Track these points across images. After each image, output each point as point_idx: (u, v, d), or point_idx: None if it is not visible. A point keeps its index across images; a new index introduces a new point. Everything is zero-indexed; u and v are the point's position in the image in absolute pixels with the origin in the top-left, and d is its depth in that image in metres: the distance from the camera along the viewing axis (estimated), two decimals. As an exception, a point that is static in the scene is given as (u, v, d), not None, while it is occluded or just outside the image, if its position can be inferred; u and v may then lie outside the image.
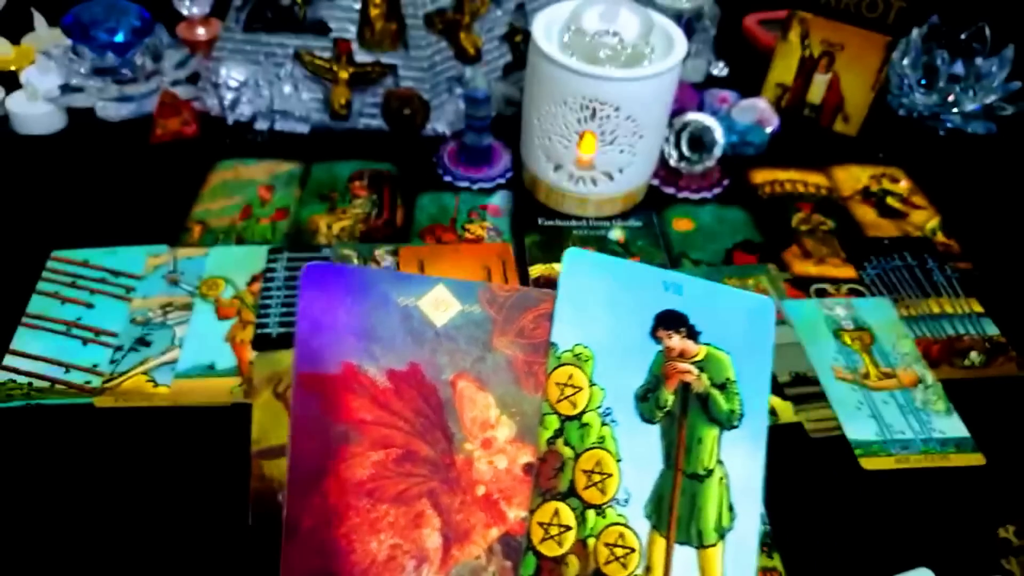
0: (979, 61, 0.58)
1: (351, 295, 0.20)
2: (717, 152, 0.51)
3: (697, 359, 0.23)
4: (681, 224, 0.50)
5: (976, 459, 0.37)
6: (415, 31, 0.52)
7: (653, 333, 0.23)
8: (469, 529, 0.20)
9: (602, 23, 0.45)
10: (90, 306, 0.41)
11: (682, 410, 0.22)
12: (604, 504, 0.21)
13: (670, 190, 0.52)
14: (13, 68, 0.58)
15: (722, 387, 0.22)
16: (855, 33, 0.55)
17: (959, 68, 0.58)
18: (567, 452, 0.21)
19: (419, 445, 0.20)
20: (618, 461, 0.21)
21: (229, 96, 0.54)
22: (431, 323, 0.21)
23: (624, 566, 0.20)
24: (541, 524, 0.20)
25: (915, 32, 0.60)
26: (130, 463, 0.34)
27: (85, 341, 0.39)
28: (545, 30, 0.45)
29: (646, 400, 0.22)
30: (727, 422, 0.22)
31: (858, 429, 0.38)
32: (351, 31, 0.52)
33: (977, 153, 0.58)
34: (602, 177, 0.47)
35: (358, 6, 0.51)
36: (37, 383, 0.37)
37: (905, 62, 0.60)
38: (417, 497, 0.19)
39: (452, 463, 0.20)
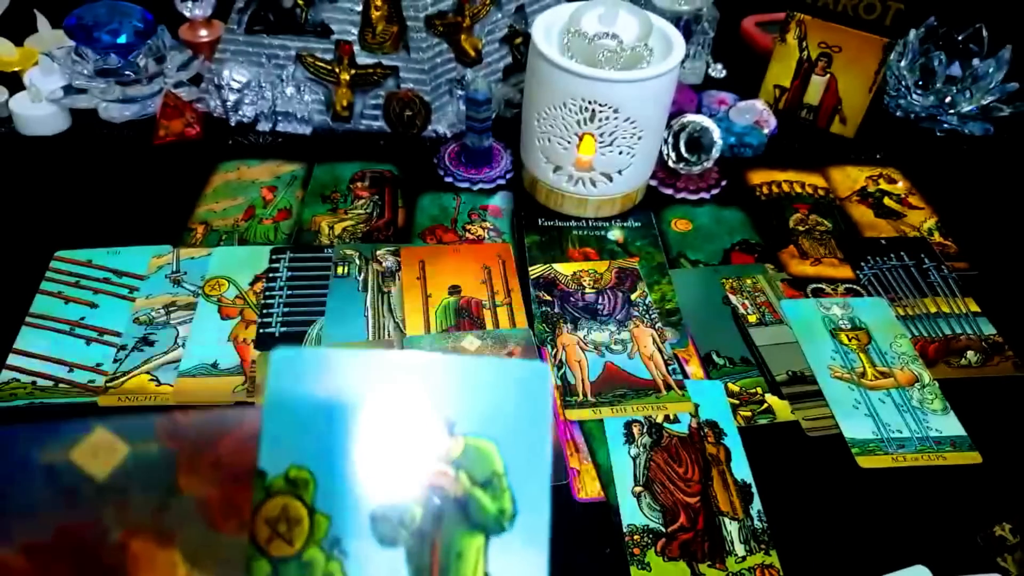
0: (976, 62, 0.58)
1: None
2: (715, 153, 0.52)
3: (453, 456, 0.18)
4: (679, 224, 0.50)
5: (972, 458, 0.37)
6: (416, 33, 0.53)
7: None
8: None
9: (601, 25, 0.46)
10: (94, 306, 0.41)
11: (435, 522, 0.18)
12: None
13: (668, 191, 0.52)
14: (17, 69, 0.58)
15: (486, 484, 0.18)
16: (853, 35, 0.55)
17: (956, 69, 0.59)
18: None
19: None
20: None
21: (232, 98, 0.54)
22: (90, 476, 0.16)
23: None
24: None
25: (912, 34, 0.60)
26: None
27: (88, 341, 0.40)
28: (545, 32, 0.46)
29: (387, 519, 0.18)
30: (495, 525, 0.18)
31: (855, 428, 0.38)
32: (353, 33, 0.53)
33: (974, 154, 0.58)
34: (601, 178, 0.48)
35: (359, 8, 0.52)
36: (41, 382, 0.37)
37: (902, 64, 0.60)
38: None
39: None
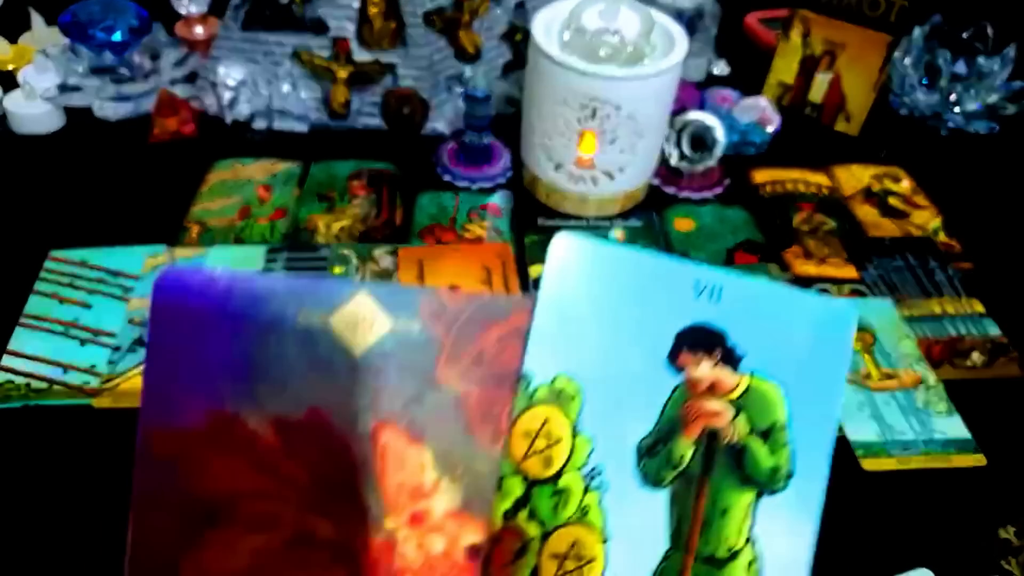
0: (981, 60, 0.57)
1: (227, 314, 0.14)
2: (718, 151, 0.51)
3: (733, 396, 0.16)
4: (682, 224, 0.50)
5: (977, 460, 0.37)
6: (414, 30, 0.52)
7: (673, 358, 0.16)
8: None
9: (602, 21, 0.45)
10: (88, 306, 0.41)
11: (704, 468, 0.16)
12: None
13: (671, 190, 0.52)
14: (11, 67, 0.57)
15: (766, 435, 0.16)
16: (857, 32, 0.54)
17: (961, 67, 0.58)
18: (532, 530, 0.15)
19: (318, 523, 0.14)
20: (604, 542, 0.15)
21: (227, 95, 0.53)
22: (347, 350, 0.14)
23: None
24: None
25: (917, 31, 0.59)
26: (129, 464, 0.34)
27: (83, 341, 0.39)
28: (545, 29, 0.45)
29: (653, 455, 0.16)
30: (768, 484, 0.16)
31: (859, 430, 0.38)
32: (350, 30, 0.52)
33: (979, 153, 0.58)
34: (602, 177, 0.47)
35: (357, 4, 0.51)
36: (35, 384, 0.37)
37: (907, 61, 0.59)
38: None
39: (365, 547, 0.14)
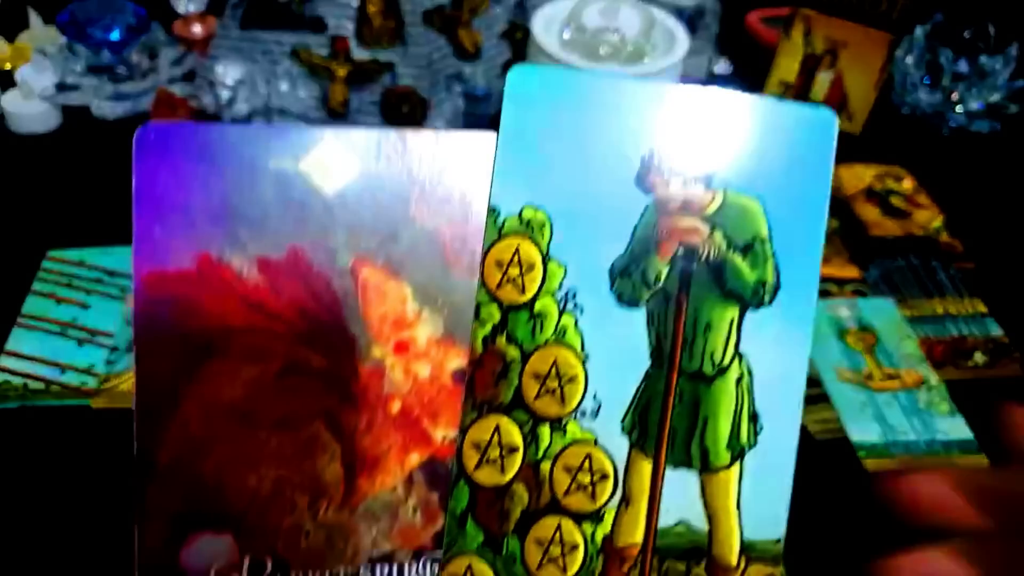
0: (983, 59, 0.57)
1: (205, 163, 0.15)
2: (719, 151, 0.51)
3: (708, 212, 0.15)
4: (682, 223, 0.49)
5: (980, 461, 0.36)
6: (413, 28, 0.52)
7: (641, 179, 0.16)
8: (380, 455, 0.15)
9: (603, 20, 0.45)
10: (86, 306, 0.41)
11: (681, 286, 0.15)
12: (564, 417, 0.15)
13: (671, 189, 0.52)
14: (8, 66, 0.57)
15: (747, 249, 0.15)
16: (858, 30, 0.54)
17: (963, 66, 0.58)
18: (512, 352, 0.15)
19: (307, 354, 0.15)
20: (584, 360, 0.15)
21: (225, 94, 0.53)
22: (320, 191, 0.15)
23: (592, 496, 0.15)
24: (476, 445, 0.15)
25: (919, 30, 0.59)
26: (127, 465, 0.34)
27: (81, 342, 0.39)
28: (545, 27, 0.45)
29: (627, 275, 0.15)
30: (752, 297, 0.15)
31: (861, 431, 0.37)
32: (349, 28, 0.52)
33: (981, 152, 0.58)
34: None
35: (356, 3, 0.51)
36: (32, 384, 0.37)
37: (909, 60, 0.59)
38: (308, 419, 0.15)
39: (355, 374, 0.15)
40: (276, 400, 0.15)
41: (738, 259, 0.15)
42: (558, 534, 0.15)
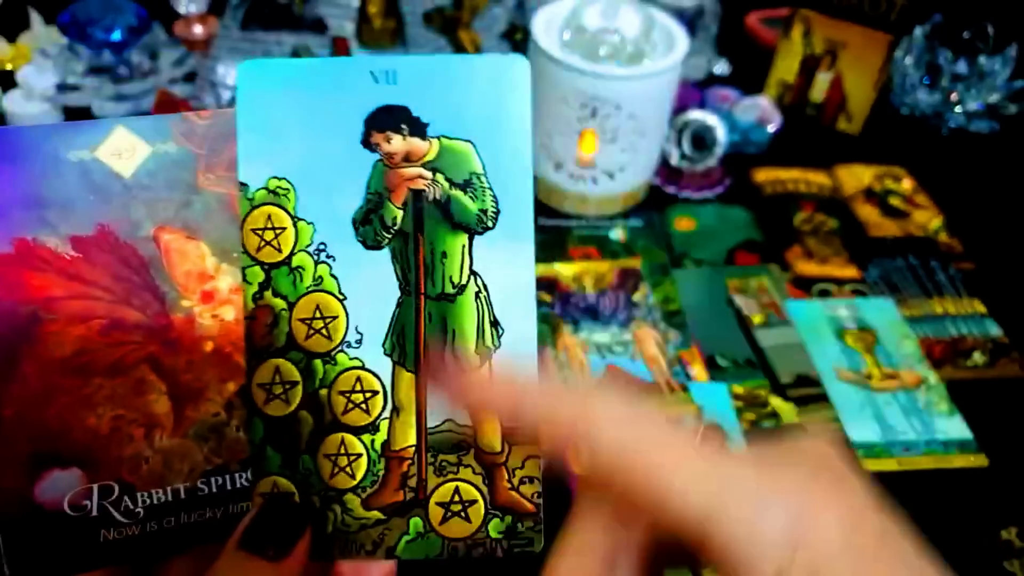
0: (982, 60, 0.57)
1: (10, 160, 0.17)
2: (719, 151, 0.51)
3: (428, 159, 0.18)
4: (683, 223, 0.50)
5: (979, 460, 0.37)
6: (414, 29, 0.52)
7: (366, 141, 0.18)
8: (201, 387, 0.18)
9: (603, 20, 0.45)
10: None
11: (416, 225, 0.18)
12: (333, 350, 0.18)
13: (672, 189, 0.52)
14: (10, 67, 0.57)
15: (466, 185, 0.18)
16: (858, 31, 0.54)
17: (962, 67, 0.58)
18: (279, 303, 0.18)
19: (125, 311, 0.18)
20: (342, 300, 0.18)
21: (226, 95, 0.53)
22: (117, 174, 0.17)
23: (367, 411, 0.18)
24: (262, 386, 0.18)
25: (918, 30, 0.59)
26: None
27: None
28: (545, 28, 0.45)
29: (368, 223, 0.18)
30: (478, 224, 0.18)
31: (861, 430, 0.37)
32: (349, 29, 0.52)
33: (980, 152, 0.58)
34: (603, 176, 0.47)
35: (356, 3, 0.51)
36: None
37: (908, 60, 0.59)
38: (134, 364, 0.17)
39: (169, 324, 0.18)
40: (104, 352, 0.18)
41: (460, 194, 0.18)
42: (343, 447, 0.18)
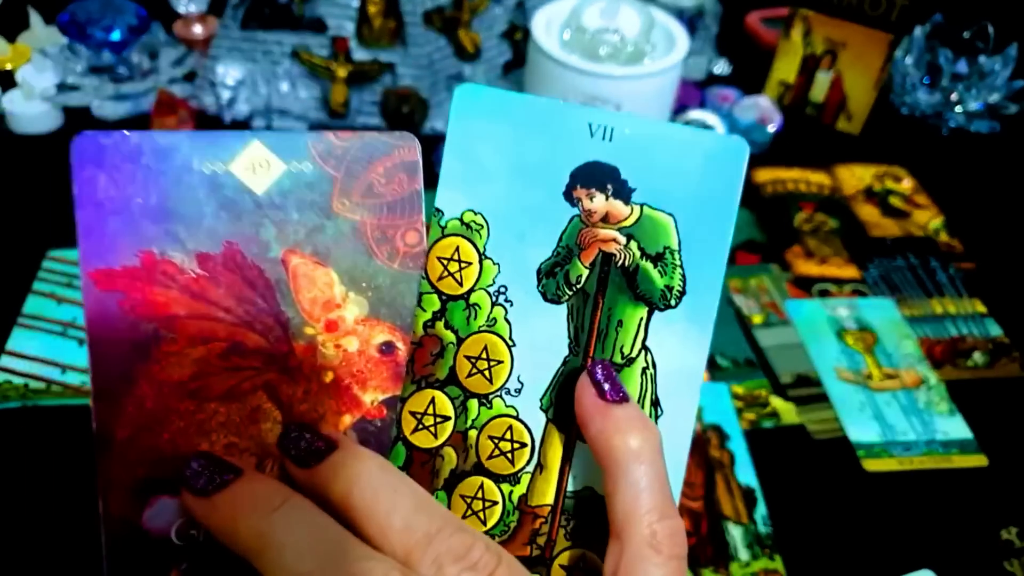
0: (982, 60, 0.57)
1: (140, 169, 0.16)
2: (718, 151, 0.51)
3: (626, 224, 0.18)
4: (682, 223, 0.49)
5: (979, 460, 0.36)
6: (414, 28, 0.52)
7: (569, 193, 0.18)
8: (316, 419, 0.17)
9: (603, 20, 0.45)
10: (86, 306, 0.41)
11: (599, 287, 0.18)
12: (491, 394, 0.17)
13: (671, 189, 0.52)
14: (9, 67, 0.57)
15: (657, 258, 0.18)
16: (858, 31, 0.54)
17: (962, 67, 0.58)
18: (448, 336, 0.18)
19: (246, 335, 0.17)
20: (511, 346, 0.17)
21: (226, 94, 0.53)
22: (249, 190, 0.17)
23: (512, 461, 0.17)
24: (414, 414, 0.17)
25: (918, 30, 0.59)
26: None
27: (81, 342, 0.39)
28: (545, 27, 0.45)
29: (552, 276, 0.18)
30: (660, 300, 0.18)
31: (860, 430, 0.37)
32: (349, 29, 0.52)
33: (980, 152, 0.58)
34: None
35: (356, 3, 0.51)
36: (33, 384, 0.37)
37: (908, 60, 0.59)
38: (251, 391, 0.17)
39: (290, 351, 0.17)
40: (221, 377, 0.17)
41: (649, 267, 0.18)
42: (480, 491, 0.18)
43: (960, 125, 0.59)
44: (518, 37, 0.57)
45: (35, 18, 0.59)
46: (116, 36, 0.52)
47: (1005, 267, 0.48)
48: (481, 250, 0.18)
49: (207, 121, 0.54)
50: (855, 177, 0.54)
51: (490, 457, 0.18)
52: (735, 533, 0.33)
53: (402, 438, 0.18)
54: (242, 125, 0.54)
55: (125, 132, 0.17)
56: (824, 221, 0.50)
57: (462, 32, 0.54)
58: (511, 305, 0.18)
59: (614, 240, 0.18)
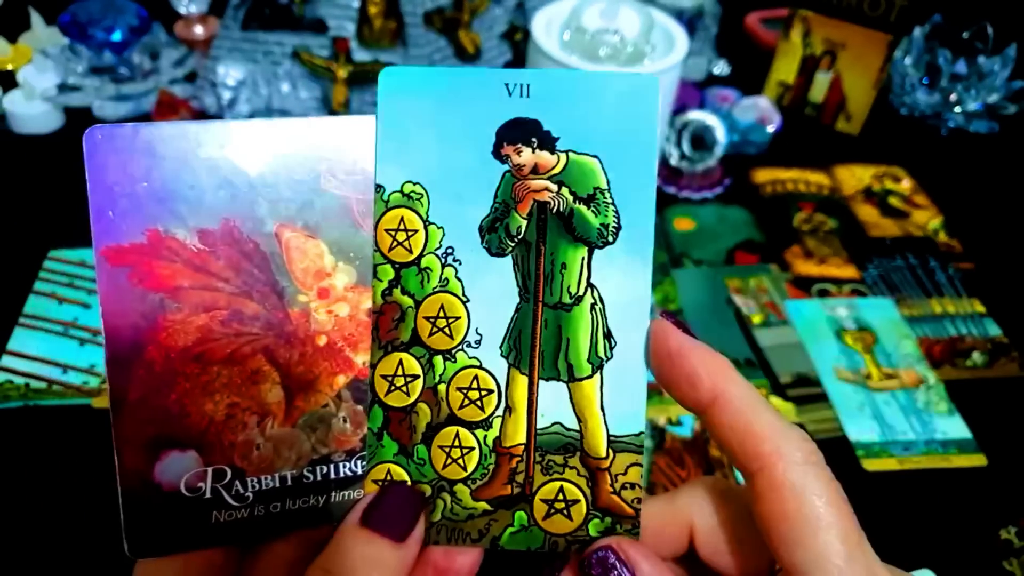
0: (981, 60, 0.57)
1: (146, 155, 0.18)
2: (718, 151, 0.51)
3: (555, 172, 0.19)
4: (682, 224, 0.50)
5: (978, 460, 0.37)
6: (414, 29, 0.52)
7: (496, 152, 0.19)
8: (313, 379, 0.19)
9: (603, 21, 0.45)
10: (87, 306, 0.41)
11: (539, 234, 0.19)
12: (453, 348, 0.19)
13: (671, 189, 0.52)
14: (10, 67, 0.57)
15: (589, 199, 0.19)
16: (857, 32, 0.54)
17: (961, 67, 0.58)
18: (406, 301, 0.19)
19: (245, 303, 0.18)
20: (465, 302, 0.19)
21: (227, 95, 0.53)
22: (243, 171, 0.19)
23: (481, 408, 0.19)
24: (385, 377, 0.19)
25: (917, 31, 0.59)
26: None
27: (82, 342, 0.39)
28: (545, 28, 0.45)
29: (493, 231, 0.19)
30: (598, 239, 0.19)
31: (860, 430, 0.37)
32: (349, 29, 0.52)
33: (979, 152, 0.58)
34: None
35: (357, 4, 0.51)
36: (34, 384, 0.37)
37: (907, 61, 0.59)
38: (251, 355, 0.18)
39: (286, 317, 0.19)
40: (223, 342, 0.19)
41: (583, 209, 0.19)
42: (457, 440, 0.19)
43: (959, 125, 0.59)
44: (518, 38, 0.57)
45: (36, 19, 0.59)
46: (117, 37, 0.52)
47: (1004, 267, 0.48)
48: (424, 217, 0.19)
49: (208, 121, 0.54)
50: (854, 177, 0.54)
51: (461, 407, 0.19)
52: (735, 532, 0.33)
53: (378, 400, 0.19)
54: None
55: (133, 124, 0.18)
56: (823, 221, 0.50)
57: (462, 33, 0.54)
58: (460, 264, 0.19)
59: (546, 189, 0.19)
